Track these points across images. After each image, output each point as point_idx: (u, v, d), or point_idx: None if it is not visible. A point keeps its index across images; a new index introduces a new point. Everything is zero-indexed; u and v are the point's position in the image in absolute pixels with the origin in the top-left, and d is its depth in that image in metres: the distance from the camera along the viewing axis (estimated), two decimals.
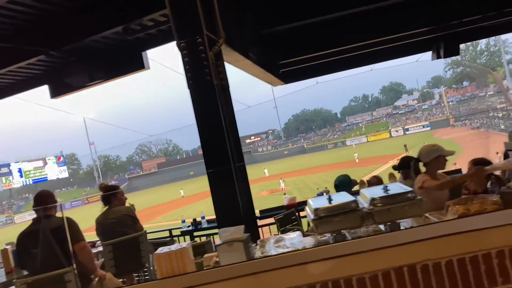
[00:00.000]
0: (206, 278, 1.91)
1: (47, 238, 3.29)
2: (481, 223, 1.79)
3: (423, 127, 67.45)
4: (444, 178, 3.26)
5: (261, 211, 6.39)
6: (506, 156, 4.15)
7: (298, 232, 2.64)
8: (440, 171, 3.34)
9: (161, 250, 2.13)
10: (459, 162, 12.08)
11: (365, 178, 5.81)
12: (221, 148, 3.46)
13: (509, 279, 1.73)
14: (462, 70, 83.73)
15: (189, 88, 3.45)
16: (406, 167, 3.90)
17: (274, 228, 5.74)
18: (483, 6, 5.67)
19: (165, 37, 5.35)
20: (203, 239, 5.99)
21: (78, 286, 3.23)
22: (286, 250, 2.20)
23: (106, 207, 4.56)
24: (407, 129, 69.09)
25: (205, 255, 2.49)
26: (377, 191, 2.18)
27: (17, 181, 64.39)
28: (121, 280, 4.12)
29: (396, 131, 70.69)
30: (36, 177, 66.29)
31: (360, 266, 1.82)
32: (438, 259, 1.77)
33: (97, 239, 4.88)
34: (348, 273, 1.82)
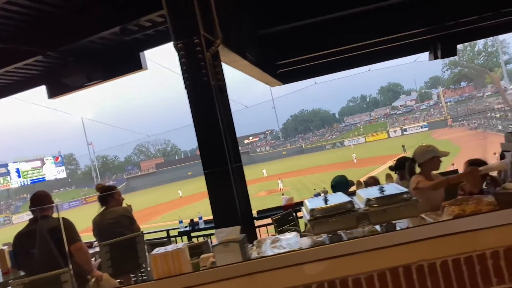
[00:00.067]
0: (202, 279, 1.91)
1: (43, 239, 3.29)
2: (476, 224, 1.80)
3: (421, 127, 67.52)
4: (438, 179, 3.27)
5: (258, 212, 6.40)
6: (502, 156, 4.17)
7: (295, 233, 2.64)
8: (435, 172, 3.36)
9: (158, 250, 2.13)
10: (457, 163, 12.11)
11: (363, 179, 5.81)
12: (218, 149, 3.47)
13: (504, 279, 1.74)
14: (460, 70, 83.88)
15: (186, 88, 3.46)
16: (403, 167, 3.90)
17: (271, 228, 5.74)
18: (480, 6, 5.69)
19: (163, 38, 5.36)
20: (201, 239, 6.00)
21: (74, 287, 3.23)
22: (282, 250, 2.21)
23: (103, 208, 4.55)
24: (405, 130, 69.16)
25: (202, 256, 2.49)
26: (372, 192, 2.19)
27: (15, 182, 64.24)
28: (118, 280, 4.11)
29: (394, 131, 70.77)
30: (34, 178, 66.13)
31: (355, 266, 1.82)
32: (433, 260, 1.77)
33: (95, 239, 4.87)
34: (343, 273, 1.82)
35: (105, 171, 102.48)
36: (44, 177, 67.47)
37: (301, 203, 4.45)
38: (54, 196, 73.95)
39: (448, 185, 3.22)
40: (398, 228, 2.13)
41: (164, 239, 6.21)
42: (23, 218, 47.47)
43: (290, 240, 2.41)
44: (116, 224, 4.39)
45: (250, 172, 45.06)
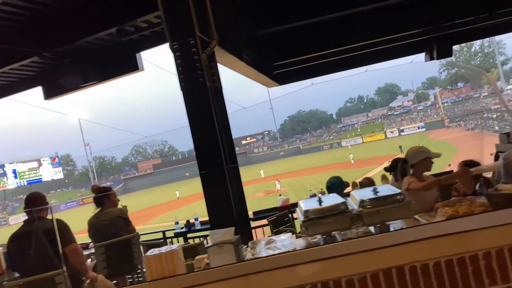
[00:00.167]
0: (196, 280, 1.91)
1: (38, 240, 3.28)
2: (468, 225, 1.81)
3: (418, 128, 67.67)
4: (430, 179, 3.29)
5: (254, 213, 6.39)
6: (497, 157, 4.18)
7: (289, 234, 2.65)
8: (426, 173, 3.37)
9: (152, 252, 2.13)
10: (454, 163, 12.15)
11: (358, 180, 5.82)
12: (214, 150, 3.47)
13: (496, 280, 1.75)
14: (457, 71, 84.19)
15: (182, 90, 3.46)
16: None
17: (268, 229, 5.75)
18: (475, 8, 5.71)
19: (159, 39, 5.36)
20: (197, 240, 5.99)
21: None
22: (276, 251, 2.21)
23: (99, 209, 4.55)
24: (402, 130, 69.30)
25: (196, 257, 2.50)
26: (366, 193, 2.20)
27: (11, 182, 63.92)
28: (114, 282, 4.10)
29: (391, 132, 70.91)
30: (31, 178, 65.80)
31: (349, 267, 1.83)
32: (426, 261, 1.78)
33: (90, 241, 4.86)
34: (337, 274, 1.82)
35: (102, 172, 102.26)
36: (41, 178, 67.15)
37: (297, 204, 4.46)
38: (51, 197, 73.89)
39: (440, 186, 3.24)
40: (391, 229, 2.14)
41: (160, 240, 6.21)
42: (20, 219, 47.22)
43: (285, 241, 2.41)
44: (112, 225, 4.38)
45: (247, 173, 45.16)
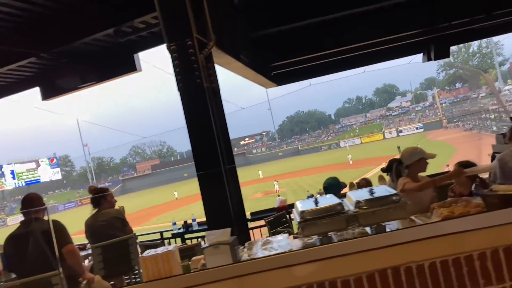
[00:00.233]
0: (192, 281, 1.91)
1: (34, 241, 3.27)
2: (464, 226, 1.81)
3: (416, 128, 67.80)
4: (425, 180, 3.30)
5: (252, 213, 6.39)
6: (493, 158, 4.19)
7: (286, 235, 2.65)
8: (421, 174, 3.38)
9: (148, 253, 2.13)
10: (452, 164, 12.17)
11: (356, 181, 5.83)
12: (211, 151, 3.47)
13: (491, 280, 1.75)
14: (455, 72, 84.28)
15: (179, 90, 3.46)
16: None
17: (265, 230, 5.75)
18: (472, 8, 5.73)
19: (157, 39, 5.36)
20: (194, 241, 5.99)
21: None
22: (272, 252, 2.21)
23: (96, 210, 4.54)
24: (401, 131, 69.39)
25: (193, 258, 2.49)
26: (362, 194, 2.21)
27: (9, 183, 63.72)
28: (111, 282, 4.10)
29: (390, 132, 70.99)
30: (29, 179, 65.61)
31: (345, 268, 1.83)
32: (421, 261, 1.78)
33: (87, 241, 4.85)
34: (333, 275, 1.83)
35: (100, 173, 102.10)
36: (39, 179, 66.97)
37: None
38: (49, 198, 73.71)
39: (434, 186, 3.25)
40: (387, 229, 2.14)
41: (158, 241, 6.20)
42: (18, 220, 47.00)
43: (281, 242, 2.41)
44: (109, 226, 4.38)
45: (246, 174, 45.15)
